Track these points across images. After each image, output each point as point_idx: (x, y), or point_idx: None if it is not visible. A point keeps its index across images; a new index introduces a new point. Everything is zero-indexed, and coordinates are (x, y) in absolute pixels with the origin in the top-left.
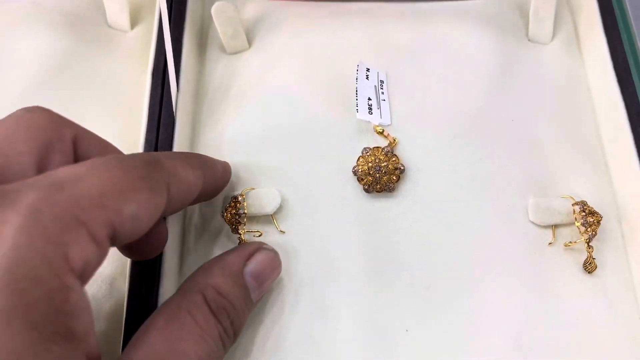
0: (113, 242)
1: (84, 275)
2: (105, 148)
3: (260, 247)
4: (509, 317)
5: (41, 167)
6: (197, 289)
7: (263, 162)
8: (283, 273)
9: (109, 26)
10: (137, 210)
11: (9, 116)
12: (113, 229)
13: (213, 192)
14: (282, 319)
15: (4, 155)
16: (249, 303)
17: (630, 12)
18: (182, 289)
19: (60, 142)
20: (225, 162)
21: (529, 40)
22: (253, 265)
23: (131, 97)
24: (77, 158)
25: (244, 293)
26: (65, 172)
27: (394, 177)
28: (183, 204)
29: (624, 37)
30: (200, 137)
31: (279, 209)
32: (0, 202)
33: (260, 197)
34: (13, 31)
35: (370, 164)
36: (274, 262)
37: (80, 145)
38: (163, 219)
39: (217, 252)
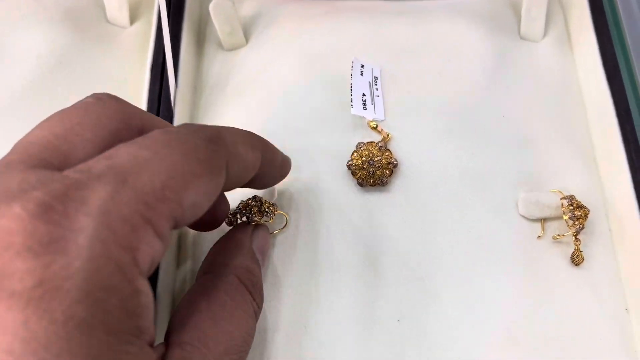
0: (173, 229)
1: (150, 270)
2: None
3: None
4: (500, 309)
5: None
6: (228, 271)
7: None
8: (278, 263)
9: (108, 22)
10: (197, 198)
11: (79, 103)
12: (175, 220)
13: (268, 181)
14: (276, 309)
15: (70, 142)
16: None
17: (620, 11)
18: (213, 272)
19: (128, 131)
20: (287, 156)
21: (521, 37)
22: (257, 240)
23: (130, 92)
24: None
25: (259, 268)
26: (127, 157)
27: (387, 172)
28: (239, 183)
29: (613, 35)
30: None
31: (275, 201)
32: (71, 200)
33: (255, 193)
34: (13, 27)
35: (364, 159)
36: (268, 236)
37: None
38: (222, 194)
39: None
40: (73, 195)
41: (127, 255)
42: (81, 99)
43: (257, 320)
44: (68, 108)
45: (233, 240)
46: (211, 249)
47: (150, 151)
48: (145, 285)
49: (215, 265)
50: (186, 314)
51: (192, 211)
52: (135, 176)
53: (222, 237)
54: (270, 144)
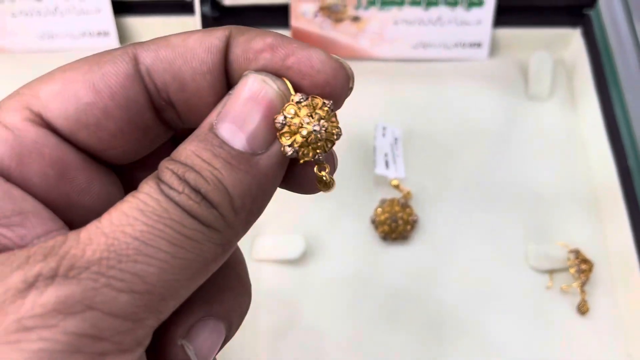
0: None
1: None
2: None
3: None
4: (511, 354)
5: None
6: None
7: (290, 210)
8: (304, 310)
9: None
10: None
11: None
12: None
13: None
14: (289, 349)
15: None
16: None
17: (620, 73)
18: None
19: None
20: None
21: (528, 97)
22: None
23: None
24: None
25: None
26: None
27: (409, 227)
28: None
29: (614, 96)
30: None
31: (303, 254)
32: None
33: (287, 244)
34: None
35: (387, 214)
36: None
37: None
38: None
39: None
40: None
41: None
42: None
43: None
44: None
45: None
46: None
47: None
48: None
49: None
50: None
51: None
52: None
53: None
54: None
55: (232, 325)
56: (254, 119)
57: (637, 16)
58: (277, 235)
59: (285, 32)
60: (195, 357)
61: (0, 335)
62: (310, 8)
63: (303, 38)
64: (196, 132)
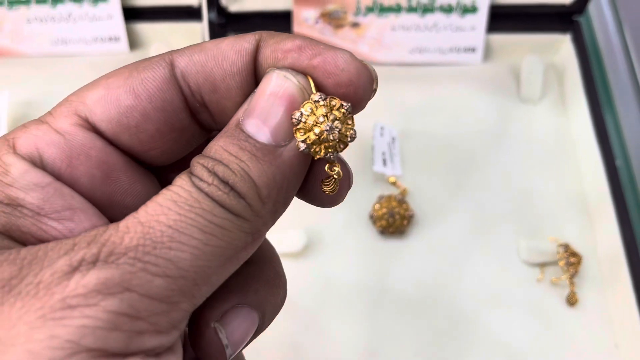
0: None
1: None
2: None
3: None
4: (504, 344)
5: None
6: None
7: (292, 205)
8: (304, 300)
9: None
10: None
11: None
12: None
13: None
14: (293, 347)
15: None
16: None
17: (609, 76)
18: None
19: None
20: None
21: (520, 100)
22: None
23: None
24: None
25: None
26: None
27: (405, 222)
28: None
29: (603, 98)
30: None
31: (305, 247)
32: None
33: (289, 238)
34: (75, 87)
35: (385, 210)
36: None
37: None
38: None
39: None
40: None
41: None
42: None
43: None
44: None
45: None
46: None
47: None
48: None
49: None
50: None
51: None
52: None
53: None
54: None
55: (265, 315)
56: (276, 113)
57: (626, 22)
58: (280, 229)
59: None
60: (226, 339)
61: (46, 313)
62: (311, 14)
63: None
64: (225, 129)
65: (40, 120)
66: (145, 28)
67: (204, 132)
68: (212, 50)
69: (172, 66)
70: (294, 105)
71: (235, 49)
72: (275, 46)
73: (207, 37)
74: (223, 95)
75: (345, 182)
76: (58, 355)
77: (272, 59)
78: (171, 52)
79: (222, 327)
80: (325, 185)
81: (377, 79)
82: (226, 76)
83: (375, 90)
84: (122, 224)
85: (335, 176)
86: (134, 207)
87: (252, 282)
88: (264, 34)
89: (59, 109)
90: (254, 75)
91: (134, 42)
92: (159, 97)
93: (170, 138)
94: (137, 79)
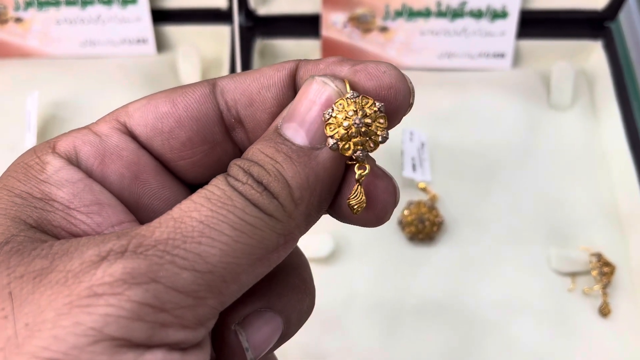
0: None
1: None
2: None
3: None
4: (533, 354)
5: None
6: None
7: None
8: (332, 306)
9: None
10: None
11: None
12: None
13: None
14: (316, 355)
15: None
16: None
17: None
18: None
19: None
20: None
21: (550, 107)
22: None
23: None
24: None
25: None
26: None
27: (435, 228)
28: None
29: (635, 104)
30: None
31: (332, 252)
32: None
33: (316, 242)
34: (102, 89)
35: (414, 216)
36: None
37: None
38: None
39: None
40: None
41: None
42: None
43: None
44: None
45: None
46: None
47: None
48: None
49: None
50: None
51: None
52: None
53: None
54: None
55: (290, 321)
56: (312, 116)
57: None
58: (307, 234)
59: (316, 42)
60: (246, 343)
61: (73, 300)
62: (340, 18)
63: (333, 47)
64: (264, 135)
65: (85, 126)
66: (172, 30)
67: (236, 151)
68: (254, 72)
69: (213, 86)
70: (329, 107)
71: (274, 67)
72: (316, 61)
73: (236, 40)
74: (258, 107)
75: (390, 198)
76: (81, 342)
77: (314, 71)
78: (217, 77)
79: (242, 329)
80: (351, 198)
81: (414, 93)
82: (262, 88)
83: (411, 105)
84: (156, 220)
85: (358, 179)
86: (162, 212)
87: (275, 287)
88: (304, 60)
89: (104, 117)
90: (293, 89)
91: (161, 44)
92: (195, 108)
93: (200, 150)
94: (178, 92)
